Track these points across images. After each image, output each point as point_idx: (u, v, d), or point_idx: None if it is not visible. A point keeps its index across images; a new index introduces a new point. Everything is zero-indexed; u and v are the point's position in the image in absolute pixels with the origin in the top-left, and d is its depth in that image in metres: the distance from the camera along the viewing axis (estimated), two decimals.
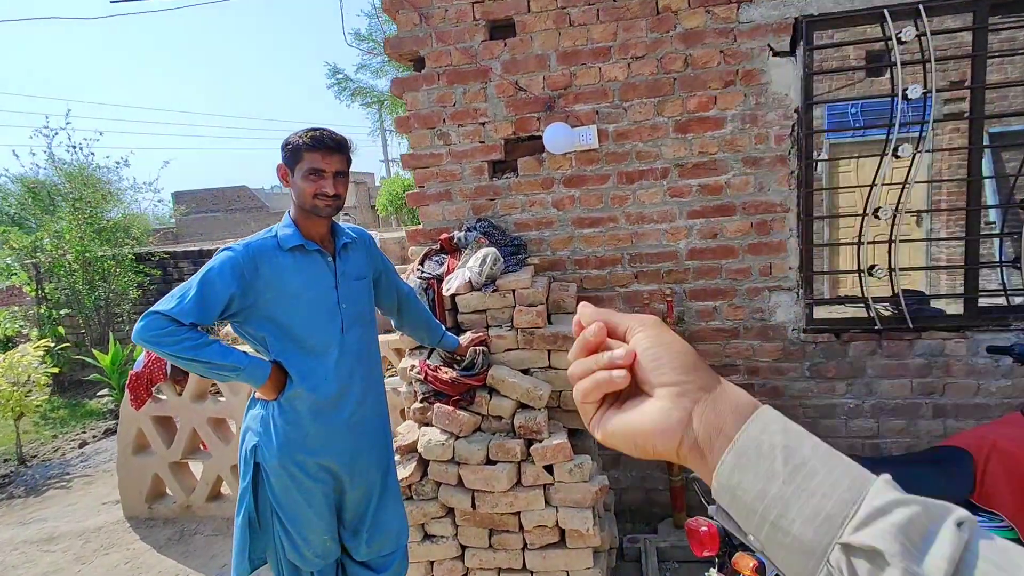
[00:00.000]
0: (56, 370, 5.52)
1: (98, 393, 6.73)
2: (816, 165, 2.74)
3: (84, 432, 5.78)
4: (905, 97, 2.55)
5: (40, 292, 7.47)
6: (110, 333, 7.05)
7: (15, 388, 4.88)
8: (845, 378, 2.86)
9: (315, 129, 1.79)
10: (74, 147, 7.77)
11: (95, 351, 6.47)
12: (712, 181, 2.83)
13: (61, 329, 7.38)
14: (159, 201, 8.99)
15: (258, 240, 1.80)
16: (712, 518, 1.97)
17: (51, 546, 3.53)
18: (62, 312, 7.41)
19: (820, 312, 2.94)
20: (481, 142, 3.01)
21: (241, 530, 1.85)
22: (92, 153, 7.98)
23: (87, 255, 7.14)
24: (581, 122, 2.89)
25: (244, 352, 1.75)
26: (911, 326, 2.72)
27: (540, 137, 2.94)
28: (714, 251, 2.89)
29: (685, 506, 2.97)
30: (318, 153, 1.76)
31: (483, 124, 2.99)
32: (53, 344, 6.01)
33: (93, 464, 4.90)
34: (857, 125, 6.65)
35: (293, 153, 1.77)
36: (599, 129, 2.88)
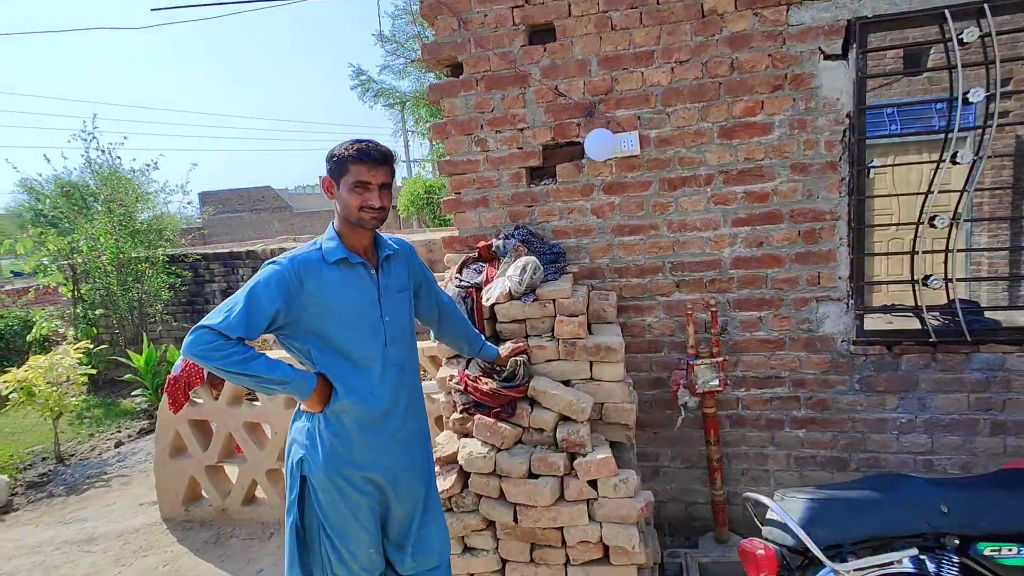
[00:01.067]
0: (93, 371, 5.62)
1: (132, 393, 6.85)
2: (869, 172, 2.65)
3: (119, 431, 5.88)
4: (966, 101, 2.44)
5: (76, 292, 7.63)
6: (143, 334, 7.18)
7: (54, 388, 4.99)
8: (897, 392, 2.76)
9: (361, 141, 1.77)
10: (102, 151, 7.92)
11: (130, 352, 6.58)
12: (758, 188, 2.75)
13: (95, 329, 7.53)
14: (188, 203, 9.11)
15: (303, 254, 1.79)
16: (768, 538, 1.90)
17: (91, 547, 3.59)
18: (97, 312, 7.56)
19: (870, 323, 2.84)
20: (519, 148, 2.97)
21: (290, 544, 1.84)
22: (119, 157, 8.12)
23: (121, 256, 7.27)
24: (622, 128, 2.83)
25: (290, 365, 1.74)
26: (968, 339, 2.61)
27: (579, 143, 2.89)
28: (759, 260, 2.81)
29: (727, 521, 2.90)
30: (364, 165, 1.74)
31: (521, 130, 2.95)
32: (92, 346, 6.12)
33: (130, 464, 4.98)
34: (894, 127, 6.46)
35: (339, 165, 1.76)
36: (640, 135, 2.82)
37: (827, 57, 2.59)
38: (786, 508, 1.85)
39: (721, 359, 2.74)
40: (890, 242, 5.74)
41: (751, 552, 1.83)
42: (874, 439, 2.81)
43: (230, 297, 1.72)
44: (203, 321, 1.66)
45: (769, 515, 1.92)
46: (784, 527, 1.83)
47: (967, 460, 2.73)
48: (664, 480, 3.12)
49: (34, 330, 7.50)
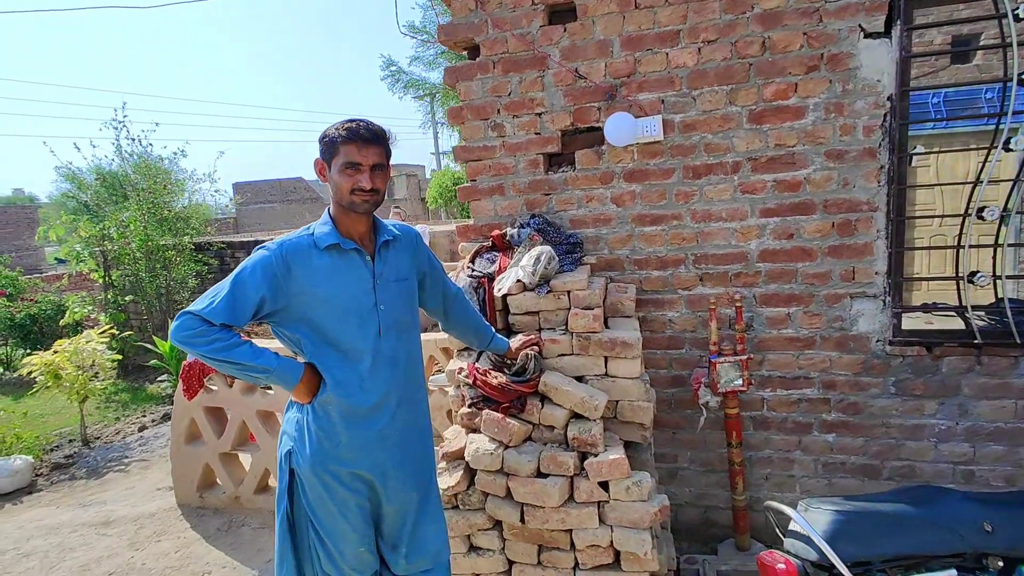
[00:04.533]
0: (118, 356, 5.71)
1: (158, 378, 6.96)
2: (911, 159, 2.46)
3: (144, 416, 5.97)
4: (1021, 82, 2.24)
5: (107, 279, 7.78)
6: (169, 320, 7.28)
7: (80, 372, 5.07)
8: (935, 397, 2.57)
9: (352, 120, 1.68)
10: (133, 139, 8.03)
11: (155, 338, 6.68)
12: (789, 176, 2.58)
13: (123, 315, 7.67)
14: (216, 191, 9.21)
15: (293, 239, 1.71)
16: (789, 552, 1.77)
17: (107, 530, 3.62)
18: (127, 299, 7.70)
19: (907, 323, 2.65)
20: (537, 134, 2.86)
21: (280, 537, 1.78)
22: (150, 144, 8.22)
23: (149, 244, 7.38)
24: (645, 112, 2.69)
25: (275, 354, 1.67)
26: (1018, 340, 2.41)
27: (599, 129, 2.76)
28: (789, 253, 2.64)
29: (749, 528, 2.76)
30: (354, 145, 1.64)
31: (539, 115, 2.84)
32: (117, 331, 6.22)
33: (151, 448, 5.04)
34: (939, 116, 6.12)
35: (329, 146, 1.67)
36: (664, 120, 2.68)
37: (868, 35, 2.41)
38: (810, 520, 1.72)
39: (745, 357, 2.59)
40: (932, 238, 5.45)
41: (771, 566, 1.70)
42: (909, 446, 2.63)
43: (219, 283, 1.66)
44: (189, 307, 1.61)
45: (792, 526, 1.78)
46: (808, 540, 1.70)
47: (1012, 472, 2.53)
48: (682, 483, 2.99)
49: (67, 315, 7.67)
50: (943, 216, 2.98)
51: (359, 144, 1.64)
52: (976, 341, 2.46)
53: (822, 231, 2.58)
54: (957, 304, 2.55)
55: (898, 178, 2.46)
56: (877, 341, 2.60)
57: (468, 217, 3.10)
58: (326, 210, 1.78)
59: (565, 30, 2.73)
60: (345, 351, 1.71)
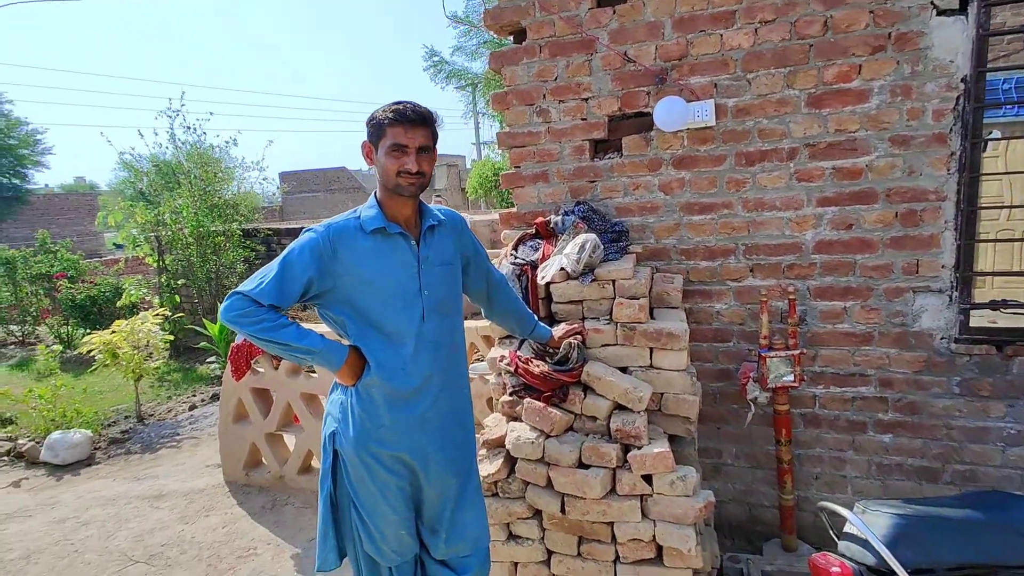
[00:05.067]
0: (171, 337, 5.92)
1: (207, 360, 7.20)
2: (985, 145, 2.30)
3: (194, 395, 6.19)
4: None
5: (161, 263, 8.08)
6: (219, 304, 7.51)
7: (136, 352, 5.28)
8: (1005, 398, 2.42)
9: (399, 102, 1.67)
10: (189, 128, 8.26)
11: (205, 320, 6.90)
12: (850, 163, 2.46)
13: (177, 298, 7.96)
14: (264, 179, 9.45)
15: (340, 222, 1.72)
16: (844, 555, 1.69)
17: (160, 503, 3.76)
18: (179, 282, 7.98)
19: (974, 320, 2.50)
20: (583, 119, 2.80)
21: (323, 517, 1.80)
22: (204, 133, 8.46)
23: (200, 230, 7.62)
24: (696, 96, 2.60)
25: (321, 336, 1.68)
26: None
27: (648, 114, 2.69)
28: (847, 244, 2.52)
29: (796, 528, 2.67)
30: (400, 127, 1.64)
31: (586, 100, 2.78)
32: (169, 313, 6.44)
33: (200, 427, 5.21)
34: (1010, 101, 5.73)
35: (376, 129, 1.67)
36: (717, 104, 2.58)
37: (940, 12, 2.26)
38: (868, 522, 1.64)
39: (797, 352, 2.49)
40: (999, 232, 5.14)
41: (824, 569, 1.63)
42: (973, 450, 2.49)
43: (267, 264, 1.69)
44: (239, 287, 1.64)
45: (847, 528, 1.70)
46: (864, 544, 1.62)
47: None
48: (726, 479, 2.91)
49: (123, 297, 8.00)
50: (1012, 207, 2.79)
51: (405, 126, 1.63)
52: None
53: (884, 221, 2.45)
54: None
55: (970, 165, 2.31)
56: (941, 338, 2.46)
57: (510, 206, 3.07)
58: (372, 194, 1.78)
59: (614, 12, 2.66)
60: (388, 334, 1.71)
